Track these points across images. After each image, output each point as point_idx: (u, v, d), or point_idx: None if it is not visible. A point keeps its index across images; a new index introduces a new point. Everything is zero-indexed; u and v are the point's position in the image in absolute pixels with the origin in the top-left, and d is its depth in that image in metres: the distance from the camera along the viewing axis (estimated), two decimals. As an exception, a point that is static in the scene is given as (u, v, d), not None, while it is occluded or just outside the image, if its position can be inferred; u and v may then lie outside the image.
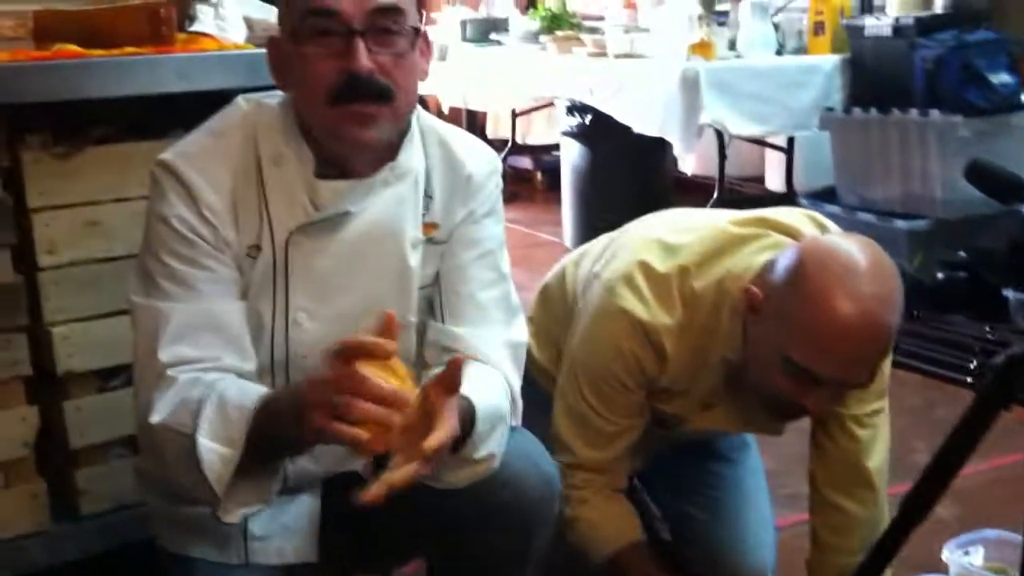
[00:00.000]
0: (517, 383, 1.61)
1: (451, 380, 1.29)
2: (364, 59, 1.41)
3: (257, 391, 1.41)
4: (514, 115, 6.49)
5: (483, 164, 1.65)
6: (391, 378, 1.26)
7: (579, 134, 4.95)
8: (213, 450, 1.36)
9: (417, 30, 1.48)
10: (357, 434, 1.22)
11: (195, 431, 1.36)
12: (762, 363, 1.71)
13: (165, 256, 1.47)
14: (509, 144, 6.47)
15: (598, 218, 4.68)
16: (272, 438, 1.36)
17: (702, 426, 1.94)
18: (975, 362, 3.40)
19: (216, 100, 1.63)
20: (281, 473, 1.45)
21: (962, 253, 3.84)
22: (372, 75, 1.42)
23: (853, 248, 1.64)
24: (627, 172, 4.84)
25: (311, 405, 1.26)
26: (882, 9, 4.37)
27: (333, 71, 1.42)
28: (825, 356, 1.62)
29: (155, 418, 1.41)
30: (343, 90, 1.42)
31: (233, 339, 1.48)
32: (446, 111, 5.75)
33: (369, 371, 1.25)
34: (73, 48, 1.93)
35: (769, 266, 1.72)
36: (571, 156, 5.05)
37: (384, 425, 1.23)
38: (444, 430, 1.27)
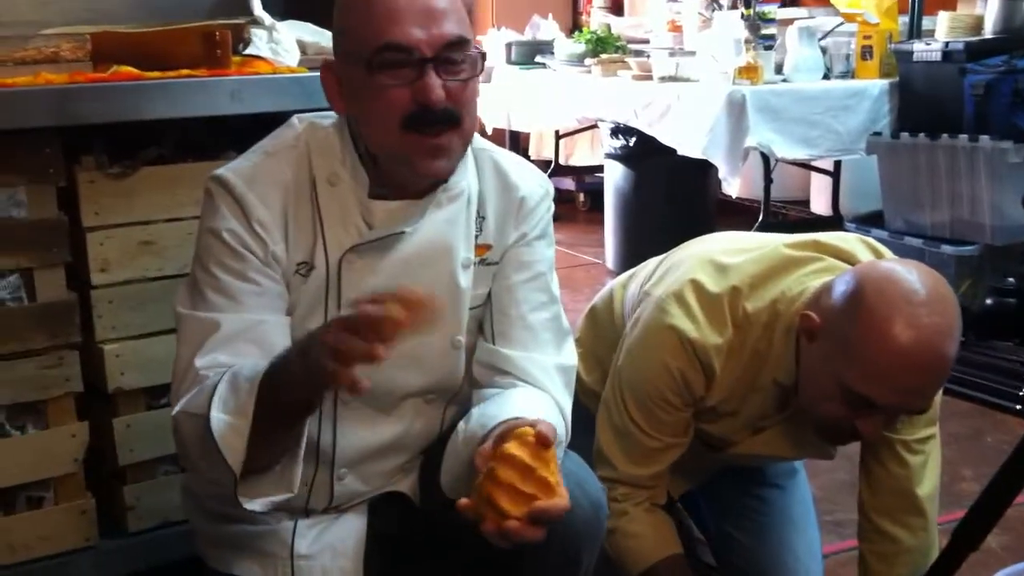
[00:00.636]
0: (568, 407, 1.61)
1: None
2: (438, 90, 1.44)
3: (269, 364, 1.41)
4: (558, 136, 6.51)
5: (536, 187, 1.66)
6: (541, 468, 1.29)
7: (623, 156, 4.95)
8: (224, 421, 1.36)
9: (483, 55, 1.51)
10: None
11: (208, 409, 1.37)
12: (816, 388, 1.70)
13: (214, 268, 1.50)
14: (552, 165, 6.49)
15: (640, 239, 4.69)
16: (282, 394, 1.35)
17: (752, 450, 1.92)
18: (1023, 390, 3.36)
19: (269, 122, 1.65)
20: (301, 456, 1.43)
21: (1011, 279, 3.80)
22: (444, 104, 1.45)
23: (913, 276, 1.61)
24: (670, 194, 4.83)
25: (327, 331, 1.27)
26: (931, 34, 4.33)
27: (407, 100, 1.44)
28: (883, 385, 1.60)
29: (176, 409, 1.44)
30: (416, 119, 1.45)
31: (272, 352, 1.47)
32: (489, 132, 5.77)
33: (520, 452, 1.29)
34: (130, 70, 1.96)
35: (826, 291, 1.70)
36: (615, 178, 5.05)
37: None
38: (563, 499, 1.30)
